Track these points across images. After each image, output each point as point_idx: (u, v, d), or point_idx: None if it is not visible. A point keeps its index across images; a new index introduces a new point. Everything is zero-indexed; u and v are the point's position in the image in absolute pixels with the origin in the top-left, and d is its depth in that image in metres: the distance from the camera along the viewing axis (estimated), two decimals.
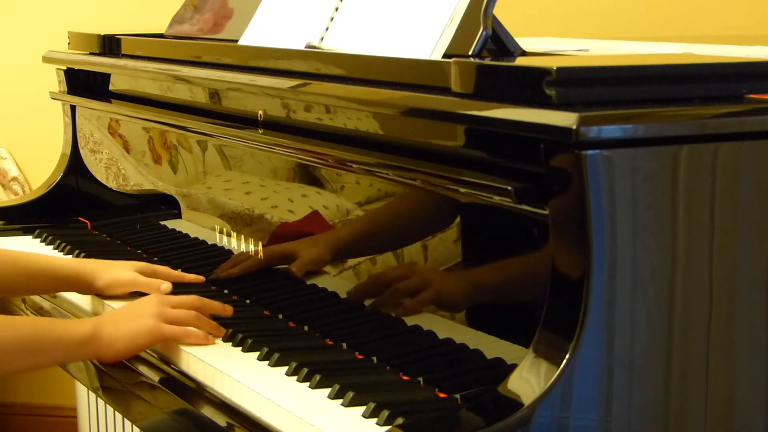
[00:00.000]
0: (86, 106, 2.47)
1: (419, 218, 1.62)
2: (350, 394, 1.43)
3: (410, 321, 1.59)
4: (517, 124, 1.32)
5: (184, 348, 1.67)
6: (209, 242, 2.08)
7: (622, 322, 1.28)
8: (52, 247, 2.28)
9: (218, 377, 1.58)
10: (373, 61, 1.68)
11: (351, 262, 1.73)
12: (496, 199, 1.37)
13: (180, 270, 2.02)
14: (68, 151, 2.53)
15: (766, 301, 1.37)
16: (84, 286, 1.92)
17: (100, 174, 2.49)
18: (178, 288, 1.90)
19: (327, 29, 1.84)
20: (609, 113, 1.28)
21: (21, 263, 1.91)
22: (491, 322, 1.50)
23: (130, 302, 1.80)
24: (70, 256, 2.17)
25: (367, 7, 1.80)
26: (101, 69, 2.41)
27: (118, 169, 2.42)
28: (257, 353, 1.62)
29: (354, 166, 1.65)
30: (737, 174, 1.34)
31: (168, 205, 2.23)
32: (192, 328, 1.69)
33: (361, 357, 1.60)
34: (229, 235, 2.01)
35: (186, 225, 2.19)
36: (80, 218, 2.45)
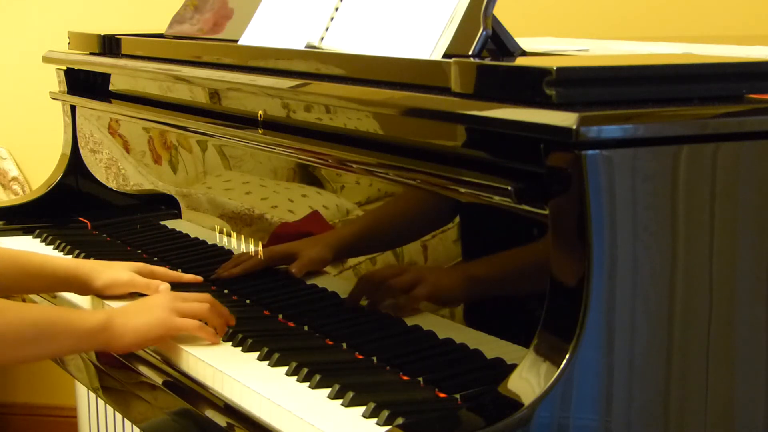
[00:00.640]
0: (86, 106, 2.47)
1: (419, 218, 1.62)
2: (350, 394, 1.43)
3: (410, 321, 1.59)
4: (517, 124, 1.32)
5: (184, 348, 1.67)
6: (209, 242, 2.08)
7: (622, 322, 1.28)
8: (52, 247, 2.27)
9: (218, 377, 1.58)
10: (373, 61, 1.68)
11: (351, 262, 1.73)
12: (496, 199, 1.37)
13: (180, 270, 2.02)
14: (68, 151, 2.53)
15: (766, 301, 1.37)
16: (82, 286, 1.92)
17: (100, 174, 2.49)
18: (177, 289, 1.89)
19: (327, 29, 1.84)
20: (609, 113, 1.28)
21: (20, 262, 1.91)
22: (491, 322, 1.50)
23: (142, 298, 1.80)
24: (70, 256, 2.17)
25: (367, 7, 1.80)
26: (101, 69, 2.41)
27: (118, 169, 2.42)
28: (257, 353, 1.62)
29: (354, 166, 1.65)
30: (737, 174, 1.34)
31: (168, 205, 2.23)
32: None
33: (361, 357, 1.60)
34: (229, 235, 2.01)
35: (186, 225, 2.18)
36: (80, 218, 2.45)
